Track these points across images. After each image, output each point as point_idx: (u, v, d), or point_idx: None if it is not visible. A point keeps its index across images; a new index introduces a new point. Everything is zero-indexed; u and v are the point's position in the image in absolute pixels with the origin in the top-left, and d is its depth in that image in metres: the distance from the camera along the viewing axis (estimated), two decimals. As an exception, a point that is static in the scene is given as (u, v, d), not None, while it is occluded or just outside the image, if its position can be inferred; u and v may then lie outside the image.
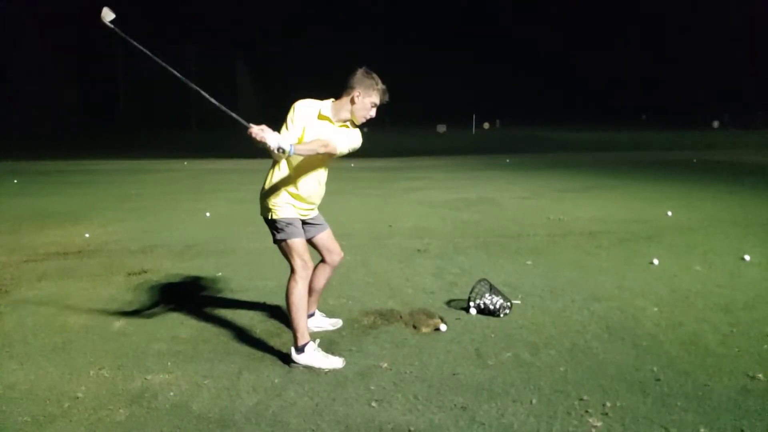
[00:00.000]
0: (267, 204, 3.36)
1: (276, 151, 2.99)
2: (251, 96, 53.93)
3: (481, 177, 13.55)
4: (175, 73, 3.21)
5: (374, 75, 3.33)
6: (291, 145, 3.01)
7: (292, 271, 3.37)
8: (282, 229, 3.34)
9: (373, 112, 3.38)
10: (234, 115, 3.11)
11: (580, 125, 43.10)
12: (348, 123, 3.39)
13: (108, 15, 3.24)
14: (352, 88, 3.29)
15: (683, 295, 4.55)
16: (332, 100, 3.39)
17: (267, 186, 3.38)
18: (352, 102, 3.30)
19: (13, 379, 3.25)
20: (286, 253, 3.39)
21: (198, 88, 3.22)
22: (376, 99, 3.34)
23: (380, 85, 3.32)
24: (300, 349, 3.31)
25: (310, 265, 3.43)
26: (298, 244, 3.36)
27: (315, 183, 3.42)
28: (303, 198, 3.39)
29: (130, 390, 3.09)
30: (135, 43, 3.23)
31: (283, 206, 3.34)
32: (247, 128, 2.96)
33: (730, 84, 48.98)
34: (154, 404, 2.93)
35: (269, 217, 3.36)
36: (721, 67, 51.45)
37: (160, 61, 3.25)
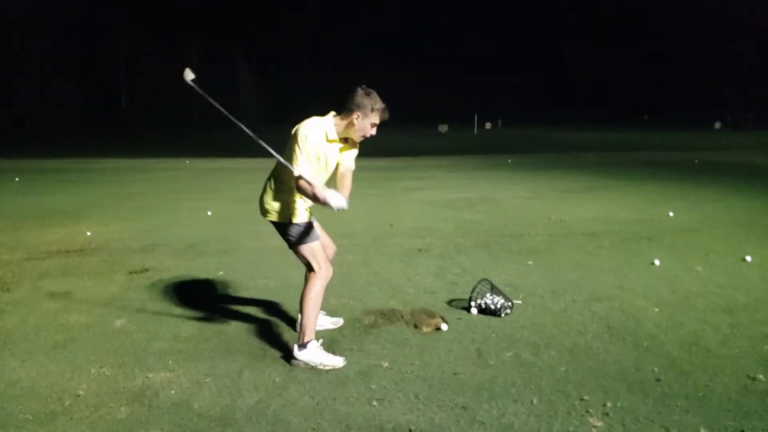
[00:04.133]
0: (283, 208, 3.37)
1: (336, 210, 3.14)
2: (252, 96, 53.98)
3: (482, 177, 13.54)
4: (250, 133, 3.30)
5: (373, 94, 3.32)
6: (346, 200, 3.16)
7: (313, 271, 3.41)
8: (307, 233, 3.39)
9: (373, 131, 3.39)
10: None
11: (581, 125, 43.06)
12: (349, 141, 3.43)
13: (189, 75, 3.37)
14: (351, 110, 3.30)
15: (684, 295, 4.55)
16: (333, 114, 3.39)
17: (281, 191, 3.37)
18: (351, 124, 3.32)
19: (15, 376, 3.25)
20: (306, 256, 3.41)
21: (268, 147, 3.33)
22: (375, 119, 3.35)
23: (379, 105, 3.32)
24: (303, 345, 3.33)
25: (329, 264, 3.52)
26: (319, 246, 3.44)
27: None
28: (306, 204, 3.44)
29: (131, 388, 3.10)
30: (213, 102, 3.37)
31: (301, 210, 3.39)
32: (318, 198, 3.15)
33: (731, 86, 49.09)
34: (155, 402, 2.94)
35: (292, 221, 3.37)
36: (723, 68, 51.48)
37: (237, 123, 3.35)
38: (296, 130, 3.29)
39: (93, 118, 46.97)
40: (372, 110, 3.30)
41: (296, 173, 3.19)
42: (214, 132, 37.97)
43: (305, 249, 3.40)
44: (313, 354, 3.32)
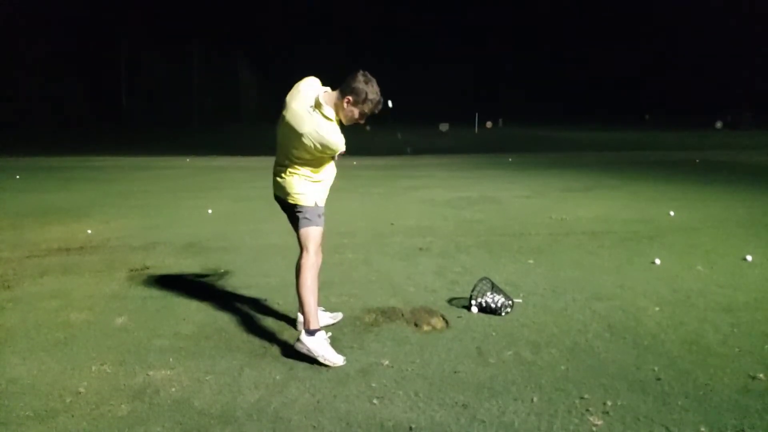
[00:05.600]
0: (310, 192, 3.44)
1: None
2: (253, 94, 53.96)
3: (483, 176, 13.54)
4: None
5: (372, 84, 3.28)
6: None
7: (307, 256, 3.45)
8: (321, 216, 3.49)
9: (362, 120, 3.40)
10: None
11: (582, 125, 43.05)
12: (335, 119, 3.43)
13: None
14: (344, 93, 3.28)
15: (685, 294, 4.55)
16: (329, 90, 3.40)
17: (308, 176, 3.43)
18: (342, 107, 3.31)
19: (16, 373, 3.26)
20: (309, 238, 3.47)
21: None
22: (365, 109, 3.33)
23: (373, 95, 3.28)
24: (311, 332, 3.33)
25: (320, 252, 3.64)
26: (320, 233, 3.54)
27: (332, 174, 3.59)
28: (327, 189, 3.58)
29: (132, 385, 3.10)
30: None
31: (323, 196, 3.51)
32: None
33: (732, 85, 49.12)
34: (155, 400, 2.94)
35: (317, 204, 3.46)
36: (724, 67, 51.48)
37: None
38: (325, 136, 3.26)
39: (94, 116, 46.93)
40: (365, 100, 3.27)
41: (342, 150, 3.37)
42: (215, 130, 38.02)
43: (312, 231, 3.46)
44: (319, 344, 3.31)
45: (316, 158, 3.39)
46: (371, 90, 3.27)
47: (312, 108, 3.28)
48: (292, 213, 3.52)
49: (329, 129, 3.28)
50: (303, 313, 3.43)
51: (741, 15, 48.53)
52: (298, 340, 3.35)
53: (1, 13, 40.63)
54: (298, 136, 3.29)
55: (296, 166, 3.41)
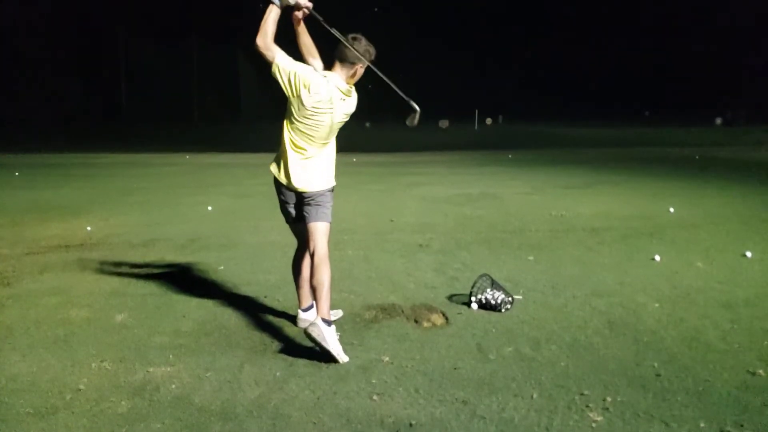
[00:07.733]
0: (327, 176, 3.58)
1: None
2: (254, 90, 53.89)
3: (483, 172, 13.53)
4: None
5: (362, 40, 3.48)
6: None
7: (323, 248, 3.50)
8: (331, 203, 3.63)
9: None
10: None
11: (582, 121, 43.02)
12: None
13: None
14: (353, 63, 3.48)
15: (684, 291, 4.55)
16: (327, 70, 3.53)
17: (323, 164, 3.55)
18: (354, 74, 3.52)
19: (16, 370, 3.26)
20: (322, 232, 3.54)
21: None
22: (367, 61, 3.55)
23: (372, 50, 3.52)
24: (329, 323, 3.31)
25: None
26: (330, 227, 3.66)
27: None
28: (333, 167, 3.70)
29: (131, 382, 3.10)
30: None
31: (333, 173, 3.67)
32: None
33: (730, 82, 49.13)
34: (155, 397, 2.95)
35: (332, 188, 3.61)
36: (722, 65, 51.48)
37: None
38: (355, 103, 3.60)
39: (93, 113, 46.84)
40: (368, 57, 3.50)
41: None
42: (215, 127, 37.97)
43: (324, 226, 3.55)
44: (331, 334, 3.28)
45: (333, 135, 3.59)
46: (367, 46, 3.49)
47: (342, 98, 3.49)
48: (305, 204, 3.54)
49: (355, 98, 3.61)
50: (319, 306, 3.38)
51: (739, 14, 48.54)
52: (314, 323, 3.26)
53: (1, 12, 40.52)
54: (336, 124, 3.53)
55: (311, 152, 3.50)
